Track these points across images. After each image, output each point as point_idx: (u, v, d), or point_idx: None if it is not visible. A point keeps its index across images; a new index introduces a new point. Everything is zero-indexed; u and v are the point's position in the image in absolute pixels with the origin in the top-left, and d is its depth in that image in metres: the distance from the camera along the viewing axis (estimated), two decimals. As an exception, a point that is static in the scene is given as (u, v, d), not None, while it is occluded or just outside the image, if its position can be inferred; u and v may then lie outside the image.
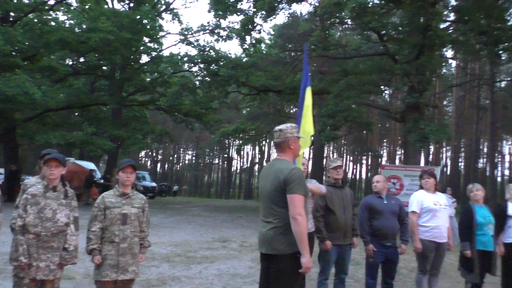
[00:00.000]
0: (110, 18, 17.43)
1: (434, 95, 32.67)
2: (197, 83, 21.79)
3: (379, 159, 50.97)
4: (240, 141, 41.41)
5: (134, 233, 3.80)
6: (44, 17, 19.83)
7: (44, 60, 16.49)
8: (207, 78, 19.87)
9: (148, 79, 24.45)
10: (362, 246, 5.26)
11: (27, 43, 16.39)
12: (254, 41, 21.70)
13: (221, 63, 18.76)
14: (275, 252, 3.16)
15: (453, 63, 36.34)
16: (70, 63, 19.67)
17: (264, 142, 54.78)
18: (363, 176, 58.71)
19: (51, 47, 16.83)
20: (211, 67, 19.18)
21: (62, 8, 23.25)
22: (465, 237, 5.46)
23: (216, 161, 73.36)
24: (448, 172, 48.42)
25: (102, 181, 21.84)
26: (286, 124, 3.52)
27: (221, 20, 20.27)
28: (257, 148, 60.50)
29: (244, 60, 21.37)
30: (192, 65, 20.41)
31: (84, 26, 18.57)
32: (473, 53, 15.16)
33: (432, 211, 5.29)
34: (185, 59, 19.83)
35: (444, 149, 50.45)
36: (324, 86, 16.69)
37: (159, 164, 76.80)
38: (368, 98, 22.00)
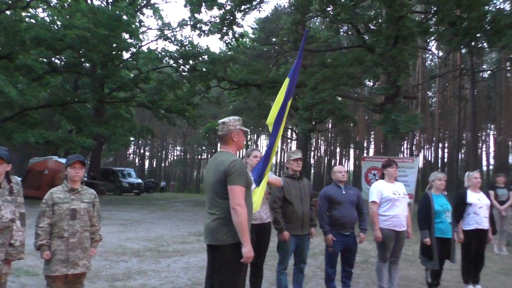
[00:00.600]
0: (86, 15, 17.26)
1: (417, 86, 32.92)
2: (180, 77, 21.68)
3: (364, 151, 51.21)
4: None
5: (84, 228, 3.85)
6: (23, 14, 19.56)
7: (19, 58, 16.30)
8: (186, 74, 19.78)
9: (131, 75, 24.30)
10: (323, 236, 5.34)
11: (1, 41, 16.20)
12: (237, 35, 21.66)
13: (201, 58, 18.69)
14: (218, 242, 3.22)
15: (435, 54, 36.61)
16: (48, 61, 19.49)
17: (249, 136, 55.12)
18: (351, 168, 58.97)
19: (26, 45, 16.65)
20: (190, 62, 19.09)
21: (41, 5, 22.99)
22: (424, 226, 5.56)
23: (205, 156, 73.26)
24: (439, 163, 48.80)
25: (85, 178, 21.68)
26: (229, 117, 3.58)
27: (202, 15, 20.22)
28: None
29: (222, 54, 21.27)
30: (171, 60, 20.29)
31: (59, 23, 18.35)
32: (447, 44, 15.32)
33: (391, 200, 5.39)
34: (163, 53, 19.68)
35: (427, 139, 50.78)
36: (302, 79, 16.77)
37: (147, 161, 76.63)
38: (347, 90, 22.05)
